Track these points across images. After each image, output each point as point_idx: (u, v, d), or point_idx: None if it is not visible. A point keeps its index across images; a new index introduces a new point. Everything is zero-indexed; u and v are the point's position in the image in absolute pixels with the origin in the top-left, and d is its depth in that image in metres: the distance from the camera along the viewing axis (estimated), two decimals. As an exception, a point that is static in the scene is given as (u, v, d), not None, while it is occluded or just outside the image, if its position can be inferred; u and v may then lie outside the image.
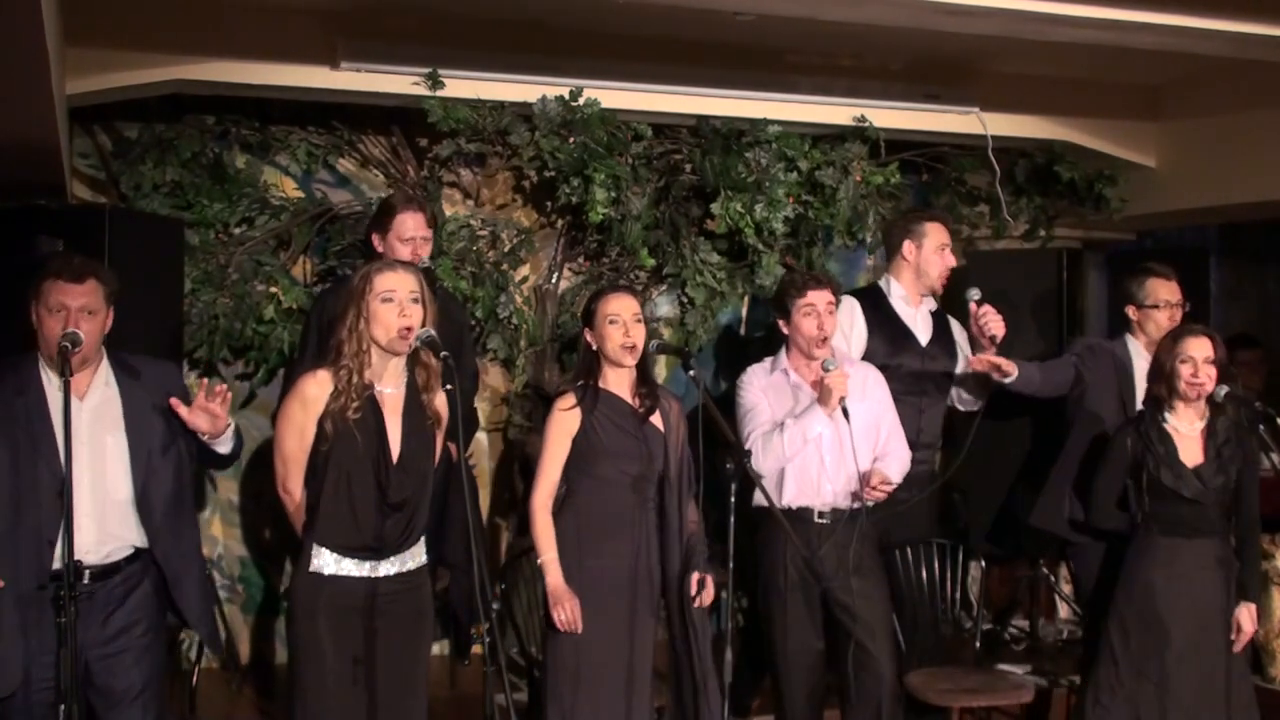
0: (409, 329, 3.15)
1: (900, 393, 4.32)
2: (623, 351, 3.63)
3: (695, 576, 3.63)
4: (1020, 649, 5.59)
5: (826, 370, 3.87)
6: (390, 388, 3.24)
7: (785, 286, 4.09)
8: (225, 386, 3.26)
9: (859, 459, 3.91)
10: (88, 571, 3.13)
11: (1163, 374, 3.87)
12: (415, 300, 3.19)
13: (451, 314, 4.54)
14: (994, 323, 4.35)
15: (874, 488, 3.92)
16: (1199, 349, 3.81)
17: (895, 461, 4.03)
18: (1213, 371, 3.81)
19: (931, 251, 4.46)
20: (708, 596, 3.64)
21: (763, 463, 3.93)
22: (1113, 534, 4.04)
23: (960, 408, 4.60)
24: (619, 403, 3.67)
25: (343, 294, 3.96)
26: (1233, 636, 3.85)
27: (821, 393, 3.89)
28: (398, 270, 3.24)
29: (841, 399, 3.84)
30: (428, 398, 3.29)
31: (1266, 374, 5.99)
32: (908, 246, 4.48)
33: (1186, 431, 3.87)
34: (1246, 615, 3.86)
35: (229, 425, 3.30)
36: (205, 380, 3.34)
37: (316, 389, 3.18)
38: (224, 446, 3.34)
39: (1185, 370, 3.81)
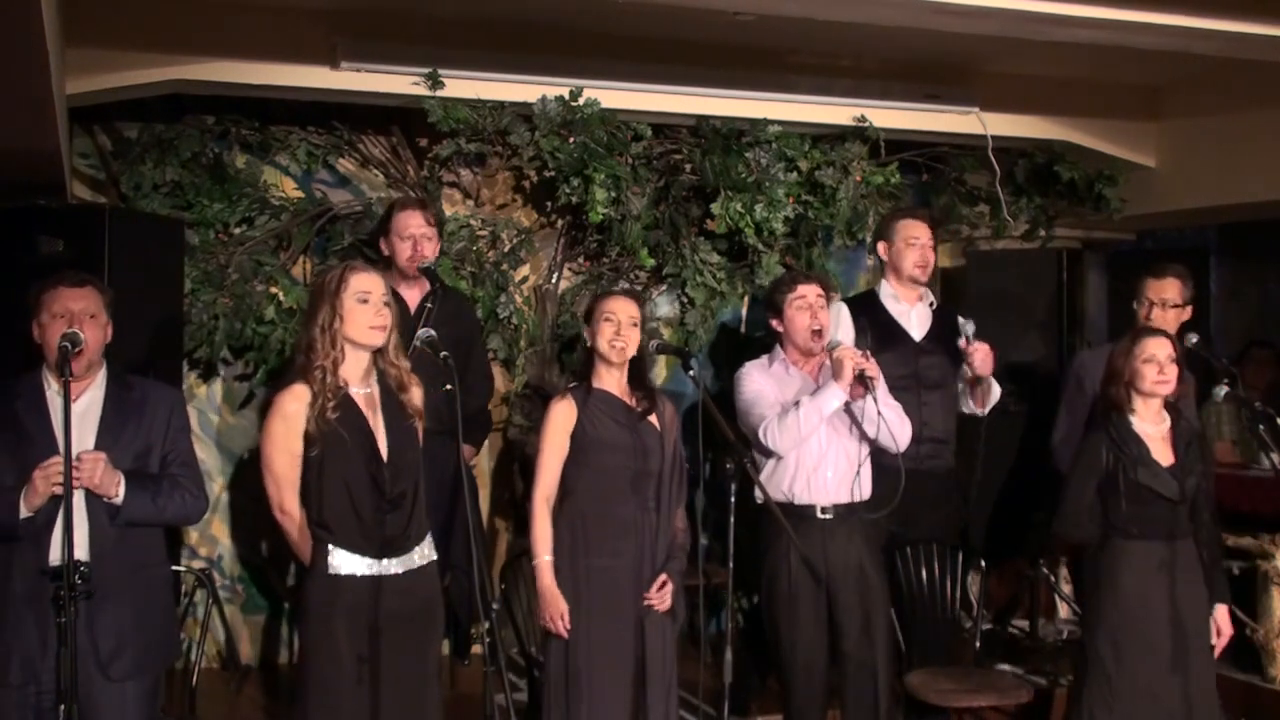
0: (383, 328, 3.19)
1: (894, 388, 4.33)
2: (611, 349, 3.64)
3: (660, 579, 3.64)
4: (1020, 649, 5.59)
5: (832, 349, 3.91)
6: (363, 388, 3.25)
7: (775, 285, 4.16)
8: (92, 455, 3.10)
9: (876, 429, 3.92)
10: (81, 569, 3.12)
11: (1121, 377, 3.85)
12: (387, 303, 3.23)
13: (463, 315, 4.59)
14: (979, 364, 4.31)
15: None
16: (1160, 348, 3.81)
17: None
18: (1175, 370, 3.80)
19: (903, 247, 4.49)
20: (662, 602, 3.63)
21: (779, 442, 3.90)
22: (1078, 544, 4.03)
23: (964, 410, 4.59)
24: (613, 399, 3.68)
25: None
26: (1214, 640, 3.85)
27: (834, 367, 3.89)
28: (371, 272, 3.27)
29: (859, 370, 3.83)
30: (405, 397, 3.30)
31: (1273, 375, 6.01)
32: (882, 247, 4.56)
33: (1154, 434, 3.84)
34: (1224, 618, 3.88)
35: (115, 494, 3.15)
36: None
37: (294, 404, 3.17)
38: (122, 510, 3.17)
39: (1150, 370, 3.79)
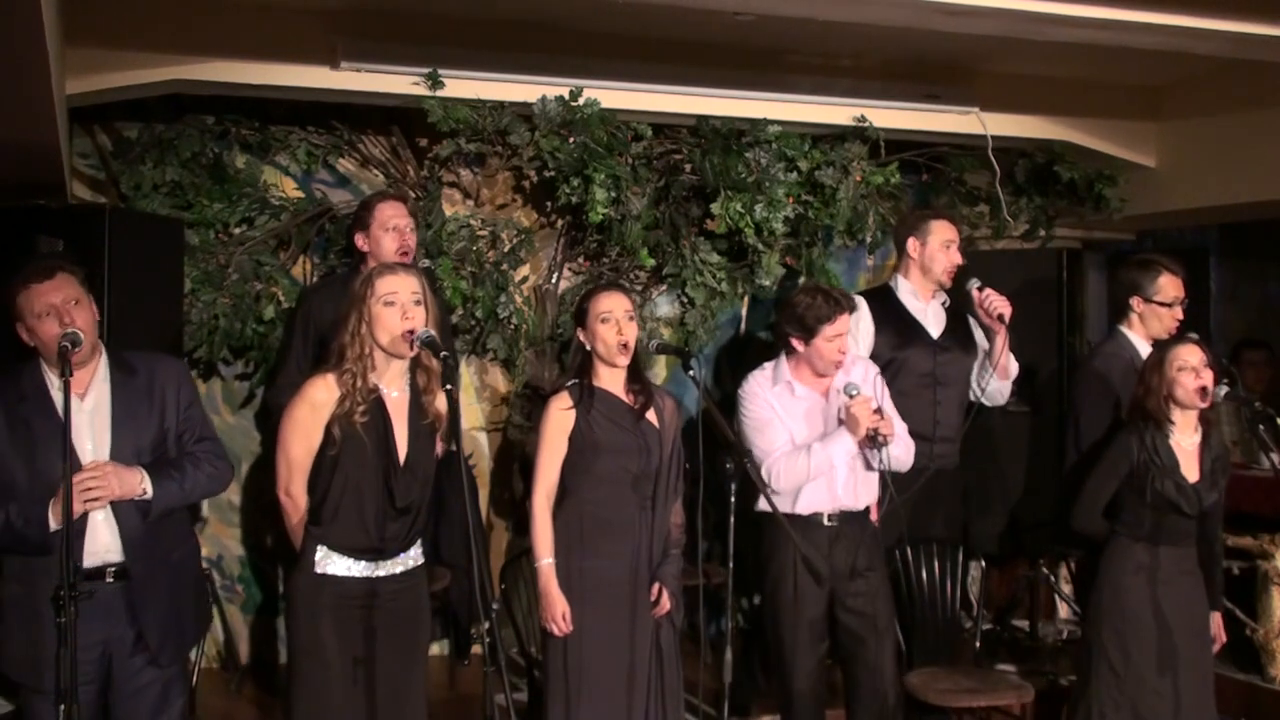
0: (412, 332, 3.14)
1: (913, 386, 4.35)
2: (616, 350, 3.62)
3: (655, 587, 3.64)
4: (1020, 649, 5.59)
5: (851, 396, 3.85)
6: (395, 390, 3.23)
7: (808, 308, 3.89)
8: (101, 469, 3.08)
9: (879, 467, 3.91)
10: (111, 570, 3.16)
11: (1157, 392, 3.85)
12: (417, 302, 3.18)
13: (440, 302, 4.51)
14: (998, 302, 4.37)
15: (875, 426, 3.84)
16: (1192, 355, 3.81)
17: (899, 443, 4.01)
18: (1210, 374, 3.81)
19: (936, 248, 4.48)
20: (660, 608, 3.64)
21: (781, 482, 3.89)
22: (1086, 538, 4.04)
23: (986, 403, 4.59)
24: (615, 400, 3.66)
25: (330, 294, 3.96)
26: (1215, 650, 3.96)
27: (849, 421, 3.87)
28: (398, 273, 3.22)
29: (871, 430, 3.80)
30: (428, 400, 3.29)
31: (1271, 375, 6.01)
32: (912, 243, 4.52)
33: (1187, 446, 3.87)
34: (1219, 624, 4.00)
35: (142, 491, 3.15)
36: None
37: (325, 394, 3.16)
38: (154, 504, 3.20)
39: (1186, 378, 3.80)
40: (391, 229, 4.21)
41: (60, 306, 3.11)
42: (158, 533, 3.23)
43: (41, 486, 3.08)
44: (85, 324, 3.13)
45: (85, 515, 3.09)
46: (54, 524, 3.05)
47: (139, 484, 3.15)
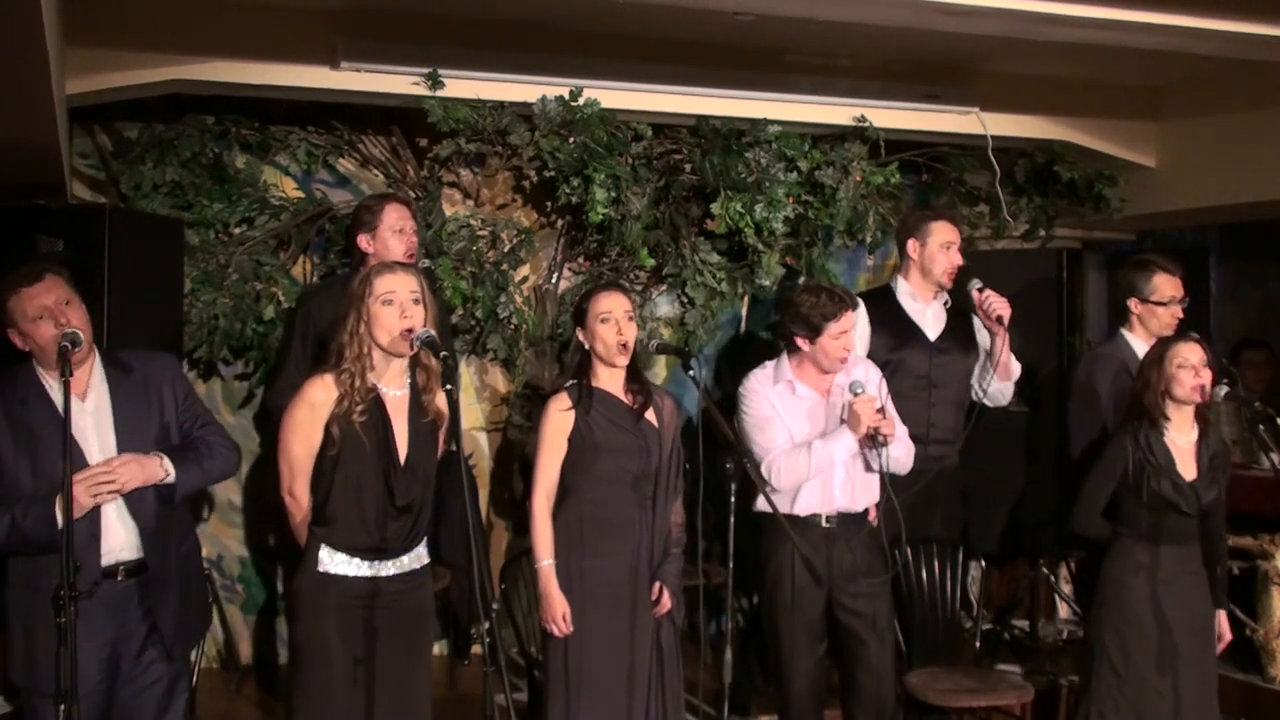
0: (410, 330, 3.14)
1: (909, 388, 4.34)
2: (616, 350, 3.62)
3: (655, 586, 3.64)
4: (1020, 649, 5.59)
5: (855, 394, 3.86)
6: (394, 389, 3.23)
7: (813, 306, 3.90)
8: (118, 462, 3.11)
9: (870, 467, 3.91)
10: (124, 568, 3.18)
11: (1155, 386, 3.85)
12: (416, 301, 3.18)
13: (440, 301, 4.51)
14: (997, 304, 4.37)
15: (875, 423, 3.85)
16: (1192, 353, 3.81)
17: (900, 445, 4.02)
18: (1209, 373, 3.81)
19: (936, 249, 4.47)
20: (661, 608, 3.64)
21: (782, 480, 3.89)
22: (1089, 540, 4.04)
23: (988, 404, 4.59)
24: (614, 401, 3.66)
25: (330, 295, 3.97)
26: (1220, 648, 3.97)
27: (850, 418, 3.88)
28: (397, 272, 3.22)
29: (872, 429, 3.81)
30: (428, 398, 3.29)
31: (1270, 375, 6.01)
32: (912, 244, 4.52)
33: (1183, 444, 3.87)
34: (1225, 623, 4.01)
35: (164, 474, 3.17)
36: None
37: (323, 394, 3.16)
38: (177, 486, 3.22)
39: (1185, 375, 3.80)
40: (399, 231, 4.22)
41: (53, 308, 3.11)
42: (168, 526, 3.25)
43: (47, 487, 3.07)
44: (81, 323, 3.13)
45: (98, 516, 3.10)
46: (62, 521, 3.05)
47: (160, 468, 3.16)
